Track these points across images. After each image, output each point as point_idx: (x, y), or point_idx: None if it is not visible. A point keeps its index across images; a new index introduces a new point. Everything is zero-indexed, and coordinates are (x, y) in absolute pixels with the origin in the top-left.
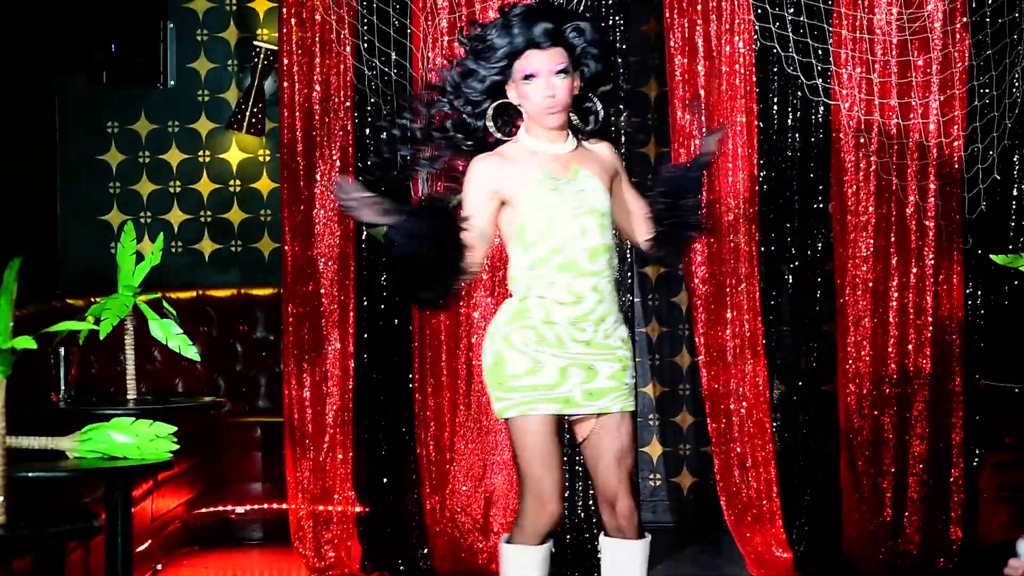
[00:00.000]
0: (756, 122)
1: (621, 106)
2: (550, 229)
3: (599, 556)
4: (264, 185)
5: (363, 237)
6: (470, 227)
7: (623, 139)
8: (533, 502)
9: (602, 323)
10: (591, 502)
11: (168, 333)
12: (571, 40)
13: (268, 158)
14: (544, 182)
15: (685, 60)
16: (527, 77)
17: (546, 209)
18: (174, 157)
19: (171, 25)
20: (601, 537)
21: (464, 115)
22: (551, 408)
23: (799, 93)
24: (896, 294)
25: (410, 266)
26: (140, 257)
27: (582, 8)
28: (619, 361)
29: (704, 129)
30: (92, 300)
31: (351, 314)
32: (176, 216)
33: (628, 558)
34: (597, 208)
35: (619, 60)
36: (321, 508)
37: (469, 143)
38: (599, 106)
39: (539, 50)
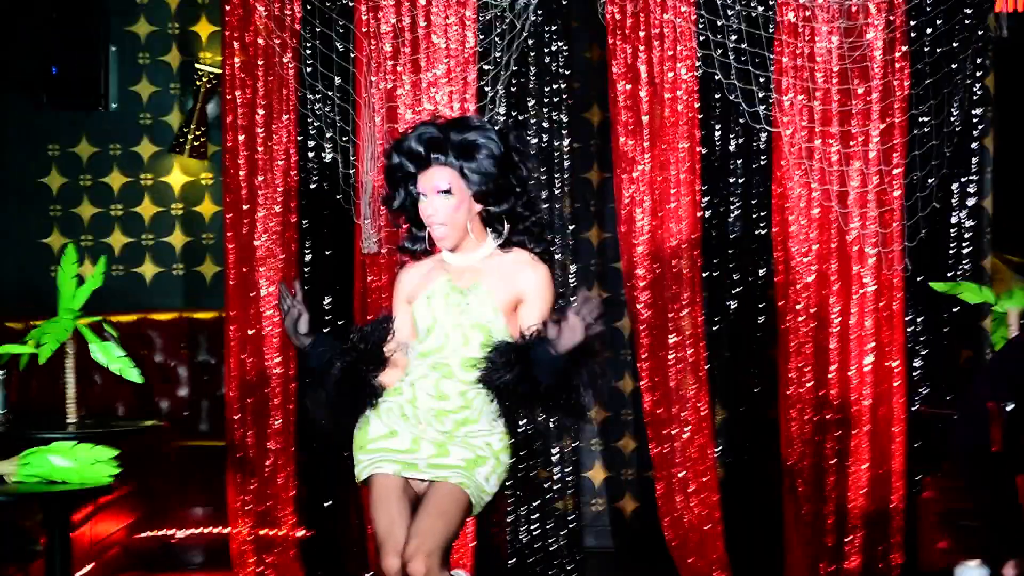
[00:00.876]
0: (699, 148)
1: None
2: (432, 330)
3: None
4: (207, 208)
5: (305, 260)
6: (395, 333)
7: (566, 166)
8: (376, 551)
9: (464, 425)
10: (534, 527)
11: (109, 356)
12: (453, 161)
13: (211, 181)
14: (439, 289)
15: (628, 86)
16: (419, 195)
17: (434, 313)
18: (116, 180)
19: (113, 48)
20: None
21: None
22: (393, 468)
23: (741, 120)
24: (837, 320)
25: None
26: (81, 280)
27: (524, 35)
28: (476, 454)
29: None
30: (32, 324)
31: None
32: (118, 239)
33: None
34: (481, 323)
35: (562, 86)
36: (263, 532)
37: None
38: (505, 226)
39: (426, 170)
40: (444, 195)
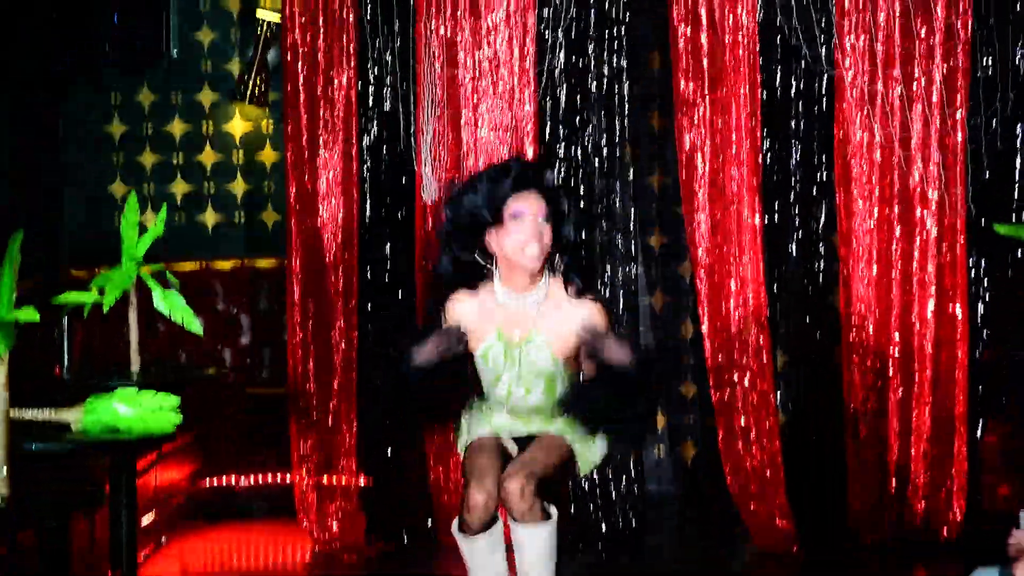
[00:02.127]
0: (760, 92)
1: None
2: (496, 384)
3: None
4: (267, 156)
5: (366, 208)
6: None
7: (626, 111)
8: (464, 488)
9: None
10: (595, 473)
11: (172, 305)
12: (553, 199)
13: (271, 129)
14: (496, 346)
15: (688, 30)
16: (515, 216)
17: (495, 369)
18: (177, 128)
19: None
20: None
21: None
22: (487, 429)
23: (802, 63)
24: (899, 264)
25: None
26: (143, 229)
27: None
28: (569, 422)
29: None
30: (95, 272)
31: (355, 285)
32: (179, 187)
33: (519, 540)
34: (544, 372)
35: (622, 30)
36: (325, 480)
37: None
38: (575, 278)
39: (531, 193)
40: (544, 221)
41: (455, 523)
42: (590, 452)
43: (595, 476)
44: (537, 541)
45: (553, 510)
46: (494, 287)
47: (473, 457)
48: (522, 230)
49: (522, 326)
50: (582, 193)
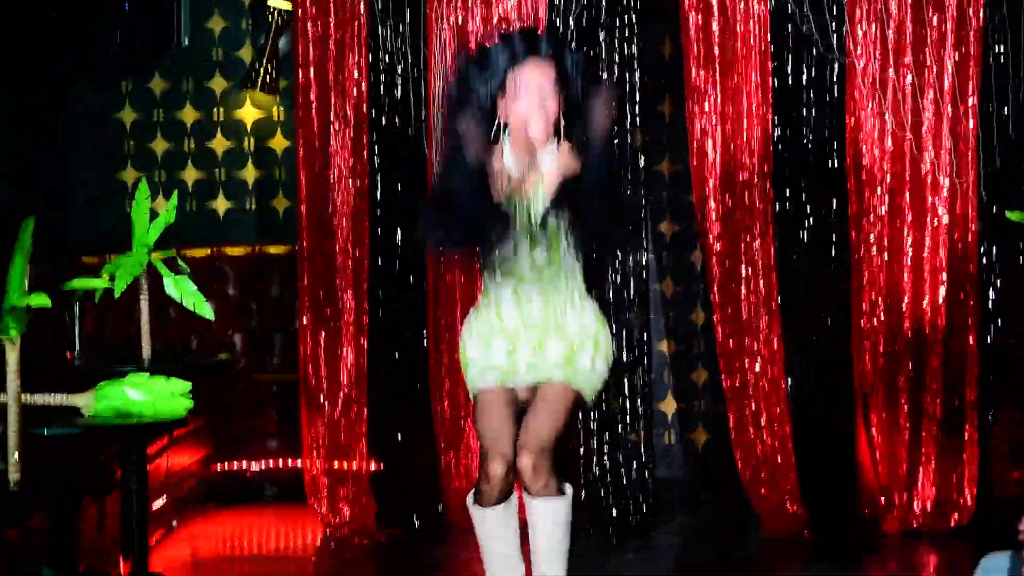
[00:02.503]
0: (771, 80)
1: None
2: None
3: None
4: (278, 143)
5: (377, 194)
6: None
7: (637, 99)
8: (480, 458)
9: (554, 311)
10: (606, 459)
11: (183, 291)
12: (566, 62)
13: (283, 116)
14: (506, 197)
15: (699, 18)
16: (518, 87)
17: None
18: (188, 115)
19: None
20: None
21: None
22: (494, 379)
23: (814, 51)
24: (911, 251)
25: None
26: (155, 215)
27: None
28: (572, 344)
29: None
30: (106, 258)
31: (366, 271)
32: (191, 174)
33: (534, 515)
34: (548, 226)
35: (633, 19)
36: (336, 465)
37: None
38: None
39: (536, 61)
40: (551, 88)
41: (470, 495)
42: (592, 378)
43: (606, 461)
44: (552, 515)
45: (568, 488)
46: (505, 151)
47: (484, 419)
48: (524, 102)
49: (529, 182)
50: None
